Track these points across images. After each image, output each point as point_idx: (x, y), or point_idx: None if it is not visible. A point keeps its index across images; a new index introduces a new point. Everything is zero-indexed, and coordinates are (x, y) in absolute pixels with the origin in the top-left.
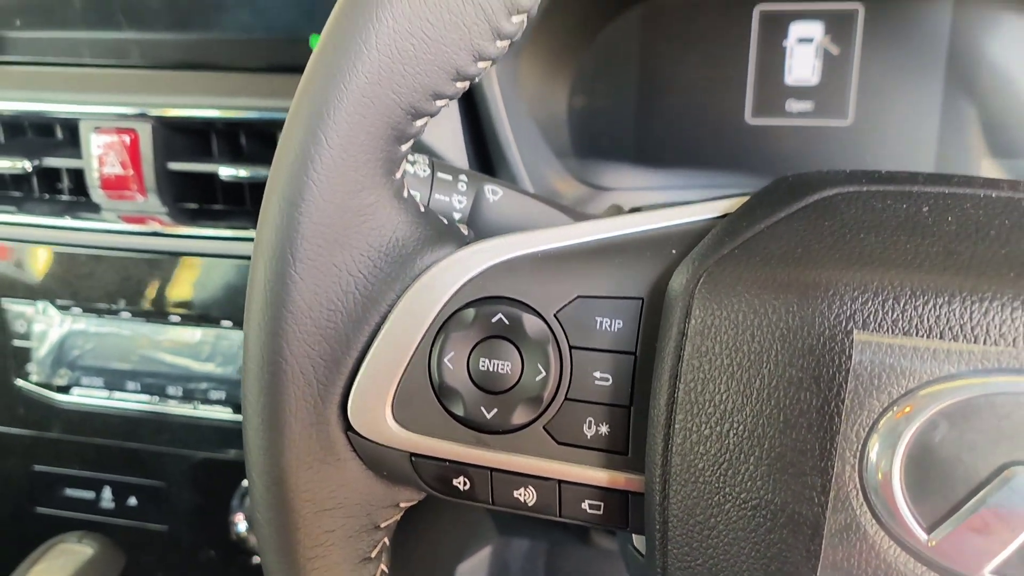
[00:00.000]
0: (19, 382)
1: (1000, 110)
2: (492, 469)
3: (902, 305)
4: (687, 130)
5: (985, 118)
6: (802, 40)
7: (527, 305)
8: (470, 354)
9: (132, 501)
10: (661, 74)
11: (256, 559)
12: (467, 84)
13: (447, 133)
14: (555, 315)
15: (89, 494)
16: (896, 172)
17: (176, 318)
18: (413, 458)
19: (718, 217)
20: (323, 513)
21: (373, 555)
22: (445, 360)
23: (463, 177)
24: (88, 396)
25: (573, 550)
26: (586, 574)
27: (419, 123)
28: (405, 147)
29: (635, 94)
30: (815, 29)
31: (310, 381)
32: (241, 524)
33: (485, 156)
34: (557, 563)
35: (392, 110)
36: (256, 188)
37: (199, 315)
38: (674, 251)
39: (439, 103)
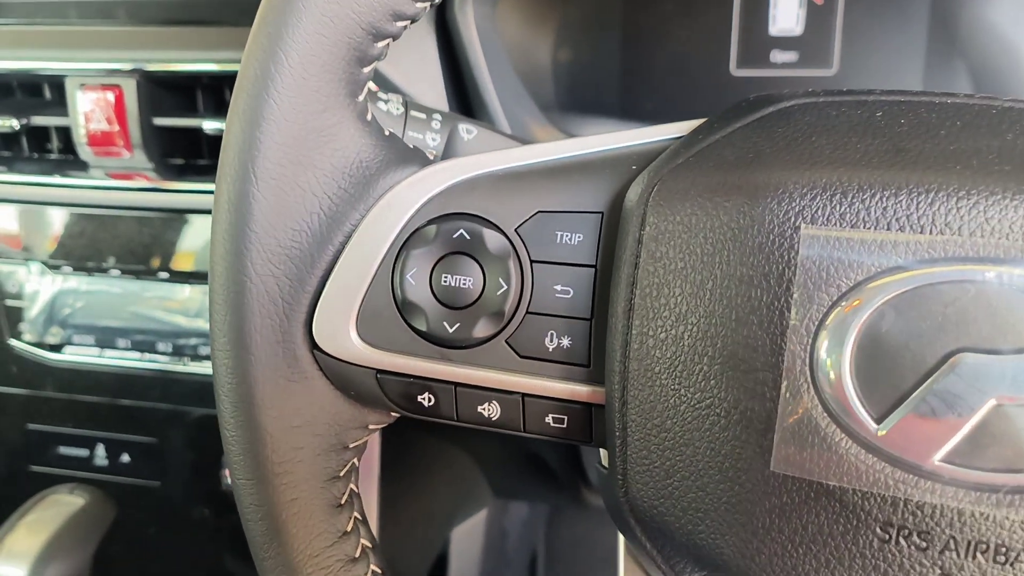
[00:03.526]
0: (12, 341)
1: (985, 56)
2: (456, 384)
3: (849, 199)
4: (671, 82)
5: (970, 65)
6: None
7: (488, 221)
8: (432, 270)
9: (125, 458)
10: (645, 26)
11: None
12: (427, 4)
13: (427, 82)
14: (516, 230)
15: (83, 451)
16: (855, 88)
17: (165, 275)
18: (378, 375)
19: (678, 136)
20: (291, 430)
21: (341, 474)
22: (408, 276)
23: (437, 116)
24: (80, 354)
25: (573, 514)
26: (586, 537)
27: (380, 44)
28: (367, 69)
29: (619, 46)
30: None
31: (275, 299)
32: (228, 469)
33: (467, 107)
34: (555, 528)
35: (352, 29)
36: None
37: (188, 271)
38: (634, 167)
39: (400, 23)
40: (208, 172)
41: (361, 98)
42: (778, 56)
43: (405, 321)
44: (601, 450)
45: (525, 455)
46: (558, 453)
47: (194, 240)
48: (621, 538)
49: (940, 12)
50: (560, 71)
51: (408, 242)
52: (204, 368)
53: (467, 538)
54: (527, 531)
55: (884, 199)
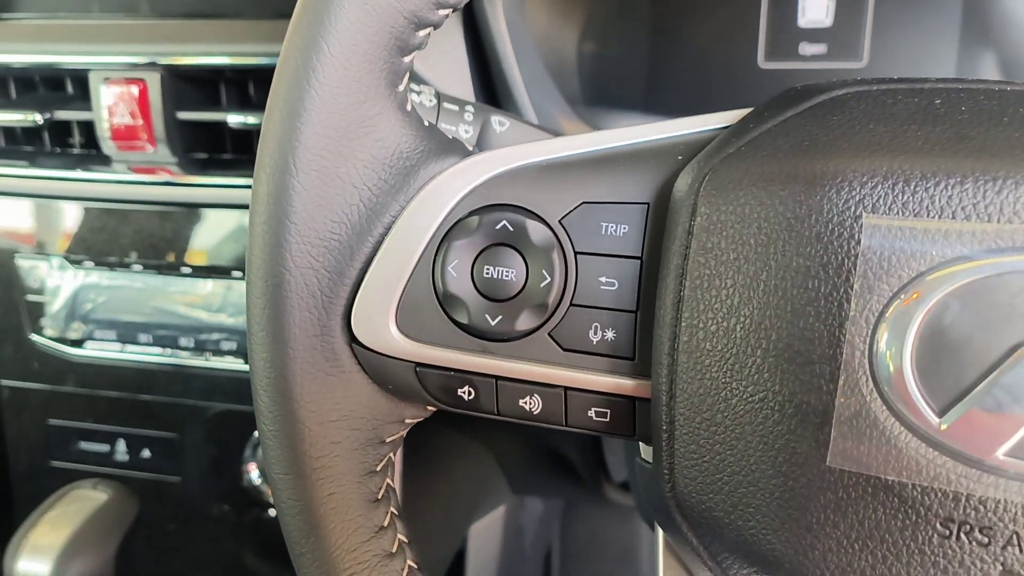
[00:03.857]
0: (34, 336)
1: (1018, 49)
2: (497, 377)
3: (912, 188)
4: (699, 75)
5: (1003, 57)
6: None
7: (531, 212)
8: (474, 262)
9: (146, 453)
10: (672, 18)
11: (270, 512)
12: None
13: (455, 75)
14: (560, 221)
15: (103, 447)
16: (907, 77)
17: (187, 269)
18: (417, 368)
19: (725, 127)
20: (328, 424)
21: (379, 468)
22: (449, 268)
23: (469, 108)
24: (101, 349)
25: (588, 510)
26: (601, 534)
27: (422, 33)
28: (408, 59)
29: (646, 39)
30: None
31: (313, 292)
32: (253, 473)
33: (494, 100)
34: (572, 523)
35: (394, 18)
36: None
37: (210, 266)
38: (680, 157)
39: (442, 12)
40: (231, 166)
41: (401, 88)
42: (807, 48)
43: (446, 313)
44: (643, 445)
45: (545, 450)
46: (579, 448)
47: (216, 235)
48: (661, 535)
49: (972, 3)
50: (587, 64)
51: (449, 233)
52: (225, 363)
53: (485, 534)
54: (543, 527)
55: (949, 187)
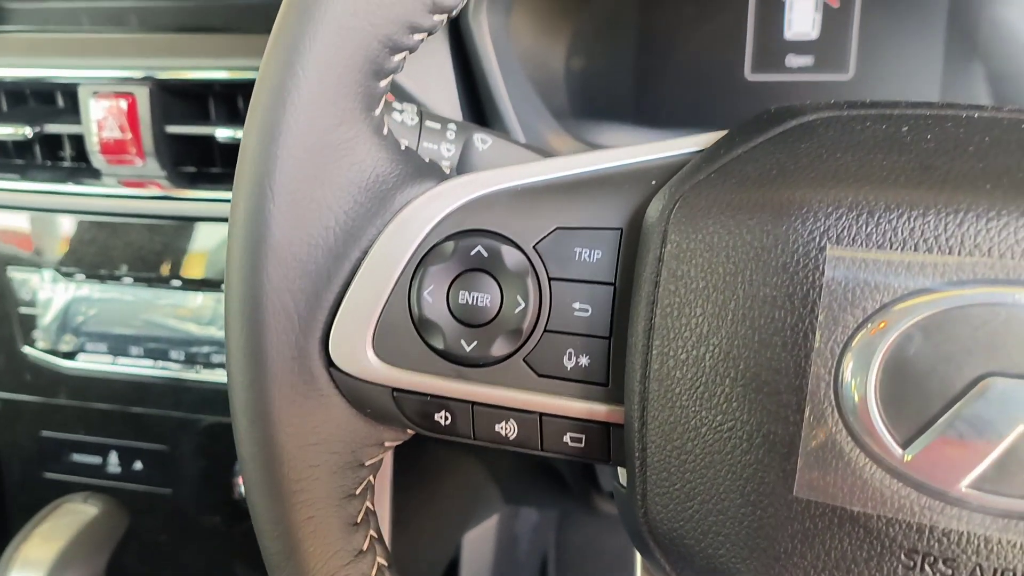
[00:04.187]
0: (26, 349)
1: (1004, 61)
2: (473, 403)
3: (876, 219)
4: (686, 88)
5: (989, 69)
6: None
7: (506, 237)
8: (449, 287)
9: (137, 465)
10: (658, 31)
11: None
12: (443, 17)
13: (441, 91)
14: (534, 247)
15: (96, 459)
16: (879, 100)
17: (177, 282)
18: (395, 393)
19: (699, 151)
20: (307, 448)
21: (357, 492)
22: (424, 294)
23: (452, 126)
24: (93, 362)
25: (583, 519)
26: (597, 543)
27: (397, 58)
28: (384, 83)
29: (633, 52)
30: None
31: (291, 316)
32: (243, 486)
33: (480, 116)
34: (566, 533)
35: (369, 42)
36: None
37: (200, 279)
38: (654, 182)
39: (417, 36)
40: (220, 180)
41: (377, 112)
42: (793, 60)
43: (422, 339)
44: (620, 469)
45: (536, 461)
46: (568, 460)
47: (206, 247)
48: (639, 557)
49: (958, 15)
50: (573, 78)
51: (425, 258)
52: (216, 376)
53: (478, 543)
54: (538, 536)
55: (911, 219)
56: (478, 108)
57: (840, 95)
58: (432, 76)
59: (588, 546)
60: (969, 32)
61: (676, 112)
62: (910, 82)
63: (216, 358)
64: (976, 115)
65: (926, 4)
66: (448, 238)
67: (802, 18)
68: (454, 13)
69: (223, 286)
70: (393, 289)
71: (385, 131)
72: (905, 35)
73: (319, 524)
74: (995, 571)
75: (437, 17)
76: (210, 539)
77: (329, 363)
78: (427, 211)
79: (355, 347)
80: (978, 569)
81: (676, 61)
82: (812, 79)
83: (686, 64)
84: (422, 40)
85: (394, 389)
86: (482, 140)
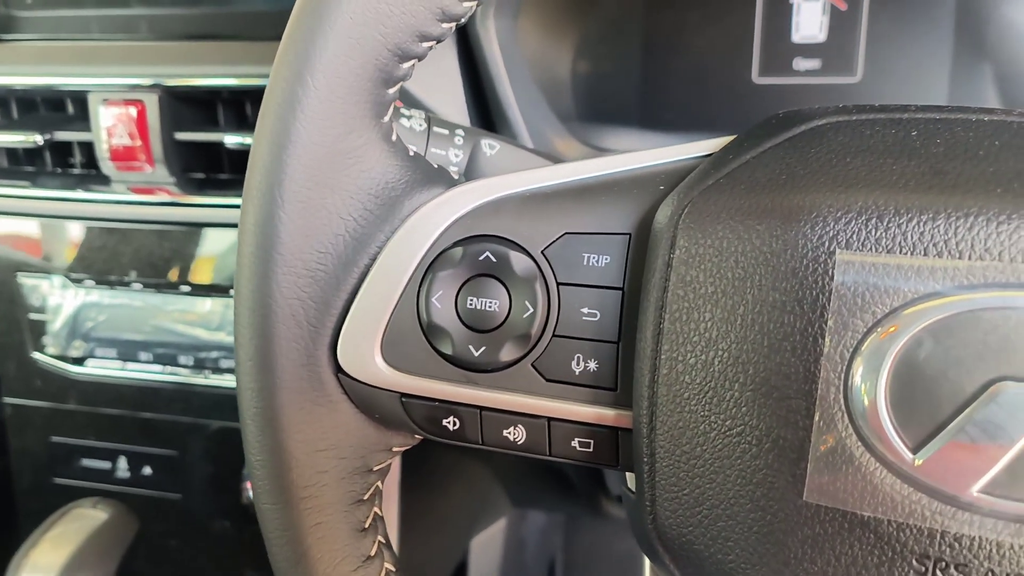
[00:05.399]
0: (36, 355)
1: (1011, 63)
2: (481, 408)
3: (885, 224)
4: (693, 91)
5: (996, 71)
6: None
7: (514, 243)
8: (458, 293)
9: (147, 470)
10: (665, 35)
11: None
12: (452, 25)
13: (448, 96)
14: (542, 252)
15: (105, 464)
16: (888, 104)
17: (186, 288)
18: (403, 399)
19: (707, 155)
20: (316, 454)
21: (366, 497)
22: (433, 299)
23: (459, 131)
24: (102, 367)
25: (591, 522)
26: (605, 546)
27: (406, 65)
28: (393, 90)
29: (639, 56)
30: None
31: (300, 323)
32: (252, 491)
33: (488, 120)
34: (573, 536)
35: (378, 51)
36: None
37: (208, 284)
38: (662, 187)
39: (426, 44)
40: (229, 186)
41: (386, 119)
42: (801, 63)
43: (430, 344)
44: (628, 474)
45: (543, 464)
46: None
47: (214, 253)
48: (647, 561)
49: (966, 17)
50: (580, 83)
51: (434, 264)
52: (225, 381)
53: (486, 547)
54: (545, 540)
55: (921, 224)
56: (485, 113)
57: (848, 98)
58: (440, 82)
59: (596, 550)
60: (977, 34)
61: (683, 116)
62: (918, 84)
63: (225, 363)
64: (986, 119)
65: (934, 6)
66: (456, 244)
67: (810, 21)
68: (463, 21)
69: (232, 291)
70: (402, 295)
71: (394, 138)
72: (913, 37)
73: (327, 530)
74: None
75: (446, 25)
76: (219, 544)
77: (338, 369)
78: (436, 217)
79: (364, 353)
80: (990, 574)
81: (683, 64)
82: (820, 82)
83: (693, 67)
84: (431, 48)
85: (402, 394)
86: (490, 145)
